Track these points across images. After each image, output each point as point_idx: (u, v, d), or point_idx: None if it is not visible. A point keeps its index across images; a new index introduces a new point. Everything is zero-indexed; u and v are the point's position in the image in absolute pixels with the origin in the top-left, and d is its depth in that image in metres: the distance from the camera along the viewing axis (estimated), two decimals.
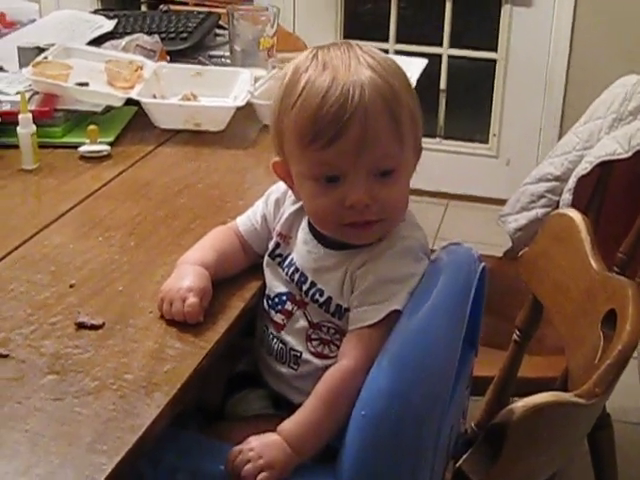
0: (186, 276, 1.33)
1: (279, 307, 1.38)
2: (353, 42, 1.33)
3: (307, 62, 1.28)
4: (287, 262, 1.39)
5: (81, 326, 1.26)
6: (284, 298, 1.38)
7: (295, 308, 1.36)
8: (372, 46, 1.35)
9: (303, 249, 1.37)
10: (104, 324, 1.27)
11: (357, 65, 1.26)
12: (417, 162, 1.34)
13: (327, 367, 1.30)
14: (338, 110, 1.22)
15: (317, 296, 1.34)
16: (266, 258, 1.42)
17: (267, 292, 1.41)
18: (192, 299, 1.28)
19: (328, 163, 1.25)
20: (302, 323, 1.35)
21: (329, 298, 1.32)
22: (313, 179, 1.27)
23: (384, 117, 1.24)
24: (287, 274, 1.38)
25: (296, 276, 1.36)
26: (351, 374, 1.24)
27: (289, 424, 1.24)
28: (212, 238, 1.45)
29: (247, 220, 1.46)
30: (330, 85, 1.23)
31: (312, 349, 1.35)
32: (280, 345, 1.38)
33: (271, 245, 1.42)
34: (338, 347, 1.32)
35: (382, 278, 1.28)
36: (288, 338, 1.37)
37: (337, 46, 1.30)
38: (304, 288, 1.35)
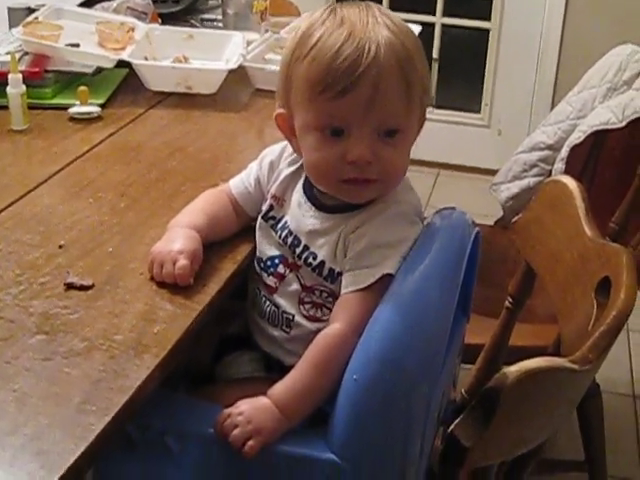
0: (177, 239, 1.32)
1: (272, 270, 1.37)
2: (372, 2, 1.32)
3: (324, 16, 1.28)
4: (280, 225, 1.38)
5: (70, 286, 1.25)
6: (277, 261, 1.37)
7: (288, 271, 1.35)
8: None
9: (297, 212, 1.36)
10: (93, 285, 1.26)
11: (374, 23, 1.25)
12: (420, 129, 1.35)
13: (319, 330, 1.29)
14: (352, 63, 1.22)
15: (310, 259, 1.33)
16: (259, 220, 1.41)
17: (259, 255, 1.40)
18: (183, 261, 1.27)
19: (336, 115, 1.24)
20: (295, 286, 1.34)
21: (322, 262, 1.32)
22: (319, 130, 1.27)
23: (396, 77, 1.24)
24: (280, 237, 1.37)
25: (289, 239, 1.36)
26: (342, 338, 1.23)
27: (279, 388, 1.24)
28: (203, 201, 1.44)
29: (240, 183, 1.45)
30: (346, 39, 1.23)
31: (304, 312, 1.34)
32: (272, 308, 1.37)
33: (265, 207, 1.41)
34: (330, 310, 1.31)
35: (375, 242, 1.27)
36: (280, 301, 1.36)
37: (356, 4, 1.30)
38: (297, 251, 1.34)
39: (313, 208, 1.35)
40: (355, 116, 1.24)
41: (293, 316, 1.35)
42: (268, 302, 1.38)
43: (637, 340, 2.98)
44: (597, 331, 1.12)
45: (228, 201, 1.44)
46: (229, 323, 1.51)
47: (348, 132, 1.25)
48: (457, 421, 1.05)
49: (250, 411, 1.20)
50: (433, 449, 1.37)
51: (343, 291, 1.28)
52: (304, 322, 1.34)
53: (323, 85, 1.23)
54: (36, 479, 0.94)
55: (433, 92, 4.28)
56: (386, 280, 1.25)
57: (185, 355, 1.23)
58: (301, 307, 1.34)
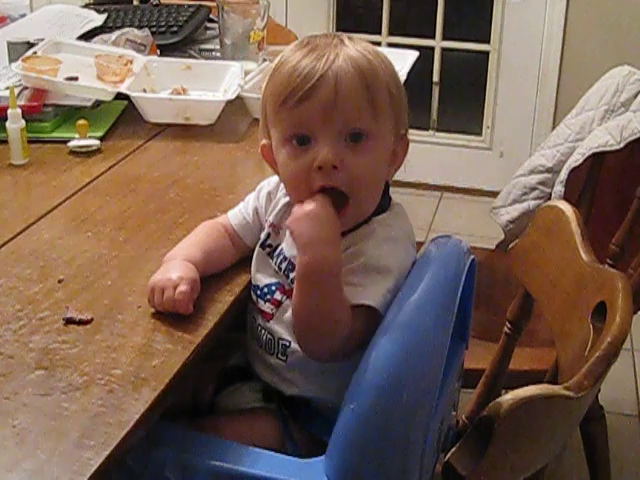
0: (175, 268, 1.33)
1: (268, 297, 1.38)
2: (346, 35, 1.34)
3: (292, 45, 1.31)
4: (277, 252, 1.39)
5: (69, 321, 1.26)
6: (273, 288, 1.38)
7: (284, 297, 1.36)
8: (364, 39, 1.35)
9: (290, 237, 1.36)
10: (92, 319, 1.26)
11: (339, 43, 1.29)
12: (402, 152, 1.36)
13: (300, 362, 1.32)
14: (310, 70, 1.24)
15: None
16: (257, 249, 1.42)
17: (255, 282, 1.40)
18: (184, 287, 1.28)
19: (299, 123, 1.26)
20: (291, 312, 1.33)
21: None
22: (287, 143, 1.29)
23: (357, 83, 1.25)
24: (276, 263, 1.38)
25: (284, 265, 1.36)
26: (341, 332, 1.25)
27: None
28: (199, 235, 1.44)
29: (239, 213, 1.46)
30: (307, 54, 1.27)
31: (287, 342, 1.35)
32: (268, 336, 1.38)
33: (263, 235, 1.42)
34: None
35: (369, 263, 1.28)
36: (277, 327, 1.36)
37: (327, 35, 1.32)
38: (291, 276, 1.34)
39: None
40: (317, 121, 1.25)
41: (290, 343, 1.35)
42: (263, 330, 1.38)
43: None
44: (593, 357, 1.12)
45: (225, 233, 1.45)
46: (230, 355, 1.52)
47: (314, 139, 1.26)
48: (453, 450, 1.05)
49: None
50: (434, 476, 1.37)
51: None
52: (299, 349, 1.33)
53: (284, 95, 1.25)
54: None
55: (434, 116, 4.29)
56: (365, 311, 1.25)
57: (186, 387, 1.23)
58: None
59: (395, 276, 1.28)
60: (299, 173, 1.28)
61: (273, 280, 1.38)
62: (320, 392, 1.35)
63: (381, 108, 1.28)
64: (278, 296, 1.37)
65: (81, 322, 1.26)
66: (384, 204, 1.36)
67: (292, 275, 1.34)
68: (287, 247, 1.37)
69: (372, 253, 1.28)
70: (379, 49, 1.35)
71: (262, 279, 1.40)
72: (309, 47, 1.28)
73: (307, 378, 1.35)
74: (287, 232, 1.36)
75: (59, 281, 1.36)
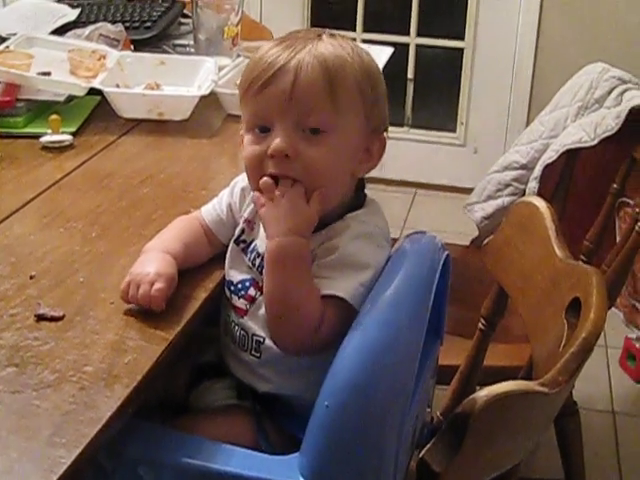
0: (154, 261, 1.32)
1: (242, 292, 1.37)
2: (332, 32, 1.35)
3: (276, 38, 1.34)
4: (251, 248, 1.38)
5: (41, 318, 1.25)
6: (247, 284, 1.37)
7: (258, 294, 1.35)
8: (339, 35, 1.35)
9: (264, 234, 1.35)
10: (64, 316, 1.25)
11: (316, 39, 1.29)
12: (378, 151, 1.35)
13: (274, 357, 1.32)
14: (274, 59, 1.27)
15: None
16: (231, 244, 1.41)
17: (229, 278, 1.40)
18: (160, 284, 1.28)
19: (260, 111, 1.28)
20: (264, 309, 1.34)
21: None
22: (251, 131, 1.30)
23: (318, 76, 1.26)
24: (250, 259, 1.37)
25: (257, 261, 1.36)
26: (311, 323, 1.25)
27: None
28: (177, 228, 1.44)
29: (212, 210, 1.45)
30: (277, 45, 1.29)
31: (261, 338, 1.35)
32: (242, 332, 1.37)
33: (237, 231, 1.41)
34: None
35: (343, 259, 1.28)
36: (250, 324, 1.36)
37: (310, 30, 1.33)
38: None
39: None
40: (275, 110, 1.26)
41: (263, 339, 1.34)
42: (237, 326, 1.38)
43: (615, 356, 2.99)
44: (567, 353, 1.12)
45: (200, 228, 1.44)
46: (203, 351, 1.51)
47: (273, 128, 1.27)
48: (428, 446, 1.05)
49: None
50: (408, 472, 1.37)
51: None
52: (273, 345, 1.32)
53: (248, 83, 1.28)
54: None
55: (408, 112, 4.29)
56: (336, 302, 1.25)
57: (158, 384, 1.22)
58: None
59: (369, 271, 1.27)
60: (253, 159, 1.29)
61: (247, 276, 1.37)
62: (294, 389, 1.34)
63: (345, 104, 1.28)
64: (252, 292, 1.36)
65: (53, 319, 1.25)
66: (358, 201, 1.36)
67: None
68: (261, 243, 1.36)
69: (345, 248, 1.28)
70: (365, 49, 1.35)
71: (236, 275, 1.39)
72: (286, 40, 1.29)
73: (280, 375, 1.35)
74: (261, 228, 1.36)
75: (30, 277, 1.34)
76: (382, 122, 1.35)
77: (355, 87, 1.28)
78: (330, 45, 1.29)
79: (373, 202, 1.37)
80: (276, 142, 1.26)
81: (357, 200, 1.36)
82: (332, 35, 1.32)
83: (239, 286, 1.38)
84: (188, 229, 1.43)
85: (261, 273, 1.34)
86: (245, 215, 1.41)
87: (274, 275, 1.27)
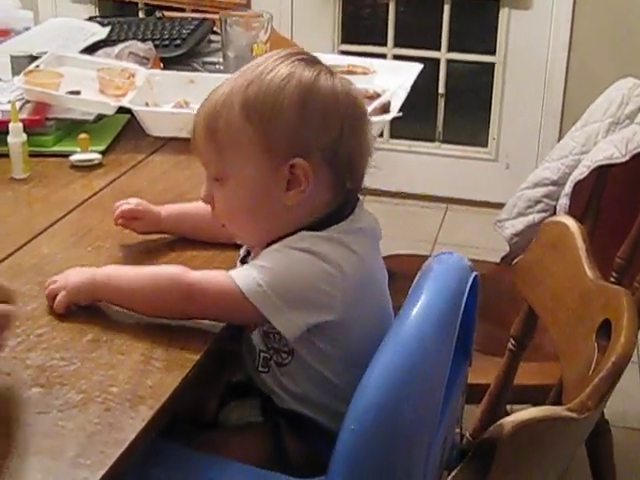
0: None
1: None
2: (314, 59, 1.34)
3: None
4: None
5: None
6: None
7: None
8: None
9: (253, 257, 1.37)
10: None
11: (243, 72, 1.33)
12: (304, 175, 1.29)
13: (283, 374, 1.33)
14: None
15: None
16: (237, 264, 1.41)
17: None
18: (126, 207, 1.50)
19: None
20: (259, 331, 1.37)
21: None
22: None
23: (200, 131, 1.33)
24: None
25: None
26: (177, 280, 1.29)
27: (110, 270, 1.34)
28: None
29: None
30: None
31: (269, 355, 1.36)
32: (252, 347, 1.38)
33: (242, 252, 1.42)
34: (287, 353, 1.33)
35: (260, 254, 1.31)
36: (257, 339, 1.37)
37: (283, 55, 1.33)
38: None
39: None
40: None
41: (270, 355, 1.36)
42: (250, 341, 1.39)
43: None
44: (596, 377, 1.10)
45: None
46: (235, 370, 1.50)
47: None
48: (454, 472, 1.04)
49: (71, 272, 1.34)
50: None
51: None
52: (274, 366, 1.35)
53: None
54: None
55: (440, 127, 4.27)
56: (220, 281, 1.29)
57: (186, 403, 1.22)
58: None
59: (277, 277, 1.26)
60: None
61: None
62: (302, 407, 1.35)
63: (229, 149, 1.30)
64: None
65: None
66: (320, 223, 1.32)
67: None
68: None
69: (272, 248, 1.30)
70: (276, 70, 1.31)
71: None
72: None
73: (290, 392, 1.35)
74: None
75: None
76: (291, 144, 1.29)
77: (236, 124, 1.29)
78: (227, 85, 1.32)
79: (351, 223, 1.34)
80: (201, 193, 1.37)
81: (328, 220, 1.32)
82: (255, 64, 1.33)
83: None
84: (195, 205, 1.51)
85: None
86: None
87: (117, 301, 1.33)
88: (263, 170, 1.29)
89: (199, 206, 1.45)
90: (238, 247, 1.45)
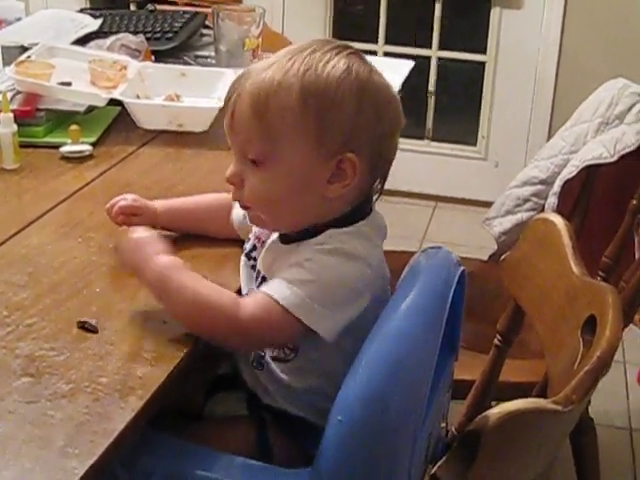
0: None
1: None
2: (361, 54, 1.31)
3: None
4: (258, 266, 1.39)
5: (82, 326, 1.27)
6: None
7: None
8: (360, 48, 1.34)
9: (265, 249, 1.37)
10: (97, 332, 1.27)
11: (294, 56, 1.27)
12: (351, 170, 1.28)
13: (283, 371, 1.33)
14: (228, 92, 1.32)
15: None
16: (242, 258, 1.42)
17: (243, 290, 1.40)
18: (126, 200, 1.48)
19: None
20: None
21: None
22: None
23: (247, 108, 1.26)
24: (255, 276, 1.38)
25: (260, 279, 1.36)
26: (230, 316, 1.25)
27: (176, 263, 1.29)
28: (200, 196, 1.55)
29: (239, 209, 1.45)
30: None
31: (270, 352, 1.35)
32: None
33: (248, 246, 1.42)
34: (292, 350, 1.32)
35: (296, 263, 1.27)
36: None
37: (331, 45, 1.29)
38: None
39: (277, 241, 1.36)
40: (229, 138, 1.31)
41: (264, 353, 1.35)
42: None
43: (633, 372, 2.98)
44: (581, 371, 1.11)
45: (225, 205, 1.50)
46: (221, 363, 1.51)
47: None
48: (440, 462, 1.05)
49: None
50: None
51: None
52: (271, 362, 1.34)
53: None
54: None
55: (429, 125, 4.28)
56: (271, 304, 1.24)
57: (174, 394, 1.22)
58: None
59: (318, 287, 1.25)
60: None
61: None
62: (290, 406, 1.35)
63: (279, 134, 1.26)
64: None
65: (89, 330, 1.26)
66: (352, 219, 1.33)
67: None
68: (260, 258, 1.38)
69: (306, 257, 1.27)
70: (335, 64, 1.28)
71: (246, 288, 1.40)
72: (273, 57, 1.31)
73: (280, 391, 1.36)
74: (263, 248, 1.38)
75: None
76: (346, 138, 1.27)
77: (292, 108, 1.25)
78: (280, 66, 1.26)
79: (374, 226, 1.34)
80: (227, 172, 1.32)
81: (353, 216, 1.33)
82: (323, 56, 1.27)
83: None
84: (204, 198, 1.53)
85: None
86: (256, 231, 1.42)
87: (165, 301, 1.29)
88: (311, 159, 1.27)
89: (199, 201, 1.47)
90: (239, 241, 1.46)
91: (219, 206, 1.51)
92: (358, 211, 1.33)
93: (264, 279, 1.35)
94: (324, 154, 1.26)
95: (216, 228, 1.50)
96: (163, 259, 1.28)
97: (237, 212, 1.47)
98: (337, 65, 1.26)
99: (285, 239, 1.34)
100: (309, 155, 1.26)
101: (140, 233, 1.33)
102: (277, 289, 1.25)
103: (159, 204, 1.52)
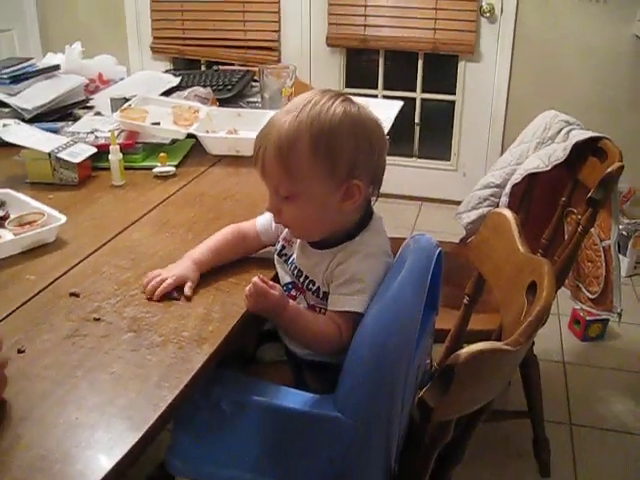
0: (179, 266, 1.32)
1: (287, 292, 1.34)
2: (349, 97, 1.26)
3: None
4: (290, 260, 1.36)
5: (169, 297, 1.27)
6: (290, 286, 1.35)
7: (298, 293, 1.34)
8: (364, 92, 1.32)
9: (299, 250, 1.35)
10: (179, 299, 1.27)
11: (302, 110, 1.21)
12: (357, 191, 1.24)
13: None
14: (254, 145, 1.25)
15: (310, 285, 1.32)
16: (275, 257, 1.39)
17: (280, 279, 1.38)
18: (169, 281, 1.27)
19: None
20: (303, 304, 1.33)
21: (318, 287, 1.31)
22: None
23: (273, 159, 1.22)
24: (290, 269, 1.36)
25: (295, 271, 1.34)
26: (332, 338, 1.25)
27: (293, 306, 1.27)
28: (213, 240, 1.40)
29: (264, 221, 1.43)
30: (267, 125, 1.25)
31: None
32: None
33: (278, 247, 1.39)
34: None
35: (352, 278, 1.25)
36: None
37: (328, 96, 1.24)
38: (301, 280, 1.33)
39: (307, 245, 1.34)
40: (263, 181, 1.26)
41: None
42: None
43: (565, 321, 2.95)
44: (526, 321, 1.10)
45: (239, 235, 1.42)
46: (266, 321, 1.50)
47: None
48: (425, 388, 1.04)
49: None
50: (412, 406, 1.36)
51: (328, 308, 1.28)
52: None
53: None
54: (126, 437, 0.94)
55: (416, 147, 4.25)
56: (353, 316, 1.23)
57: (235, 344, 1.23)
58: None
59: (372, 287, 1.25)
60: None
61: (289, 280, 1.36)
62: (315, 357, 1.34)
63: (301, 173, 1.21)
64: (293, 292, 1.35)
65: (173, 298, 1.27)
66: (364, 221, 1.31)
67: (301, 279, 1.33)
68: (296, 257, 1.35)
69: (355, 270, 1.25)
70: (328, 104, 1.22)
71: (284, 277, 1.37)
72: (285, 110, 1.24)
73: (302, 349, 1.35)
74: (295, 245, 1.36)
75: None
76: (351, 169, 1.23)
77: (306, 155, 1.20)
78: (292, 121, 1.20)
79: (378, 222, 1.33)
80: (266, 206, 1.28)
81: (363, 221, 1.31)
82: (335, 103, 1.22)
83: (284, 288, 1.35)
84: (223, 239, 1.40)
85: (298, 279, 1.34)
86: (283, 234, 1.39)
87: (291, 332, 1.30)
88: (327, 188, 1.23)
89: (224, 237, 1.39)
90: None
91: (236, 237, 1.41)
92: (366, 214, 1.32)
93: (300, 272, 1.33)
94: (336, 183, 1.23)
95: (244, 250, 1.42)
96: (290, 304, 1.27)
97: (261, 229, 1.42)
98: (335, 111, 1.21)
99: (316, 245, 1.32)
100: (325, 186, 1.23)
101: (256, 280, 1.24)
102: (352, 304, 1.24)
103: (196, 263, 1.33)
